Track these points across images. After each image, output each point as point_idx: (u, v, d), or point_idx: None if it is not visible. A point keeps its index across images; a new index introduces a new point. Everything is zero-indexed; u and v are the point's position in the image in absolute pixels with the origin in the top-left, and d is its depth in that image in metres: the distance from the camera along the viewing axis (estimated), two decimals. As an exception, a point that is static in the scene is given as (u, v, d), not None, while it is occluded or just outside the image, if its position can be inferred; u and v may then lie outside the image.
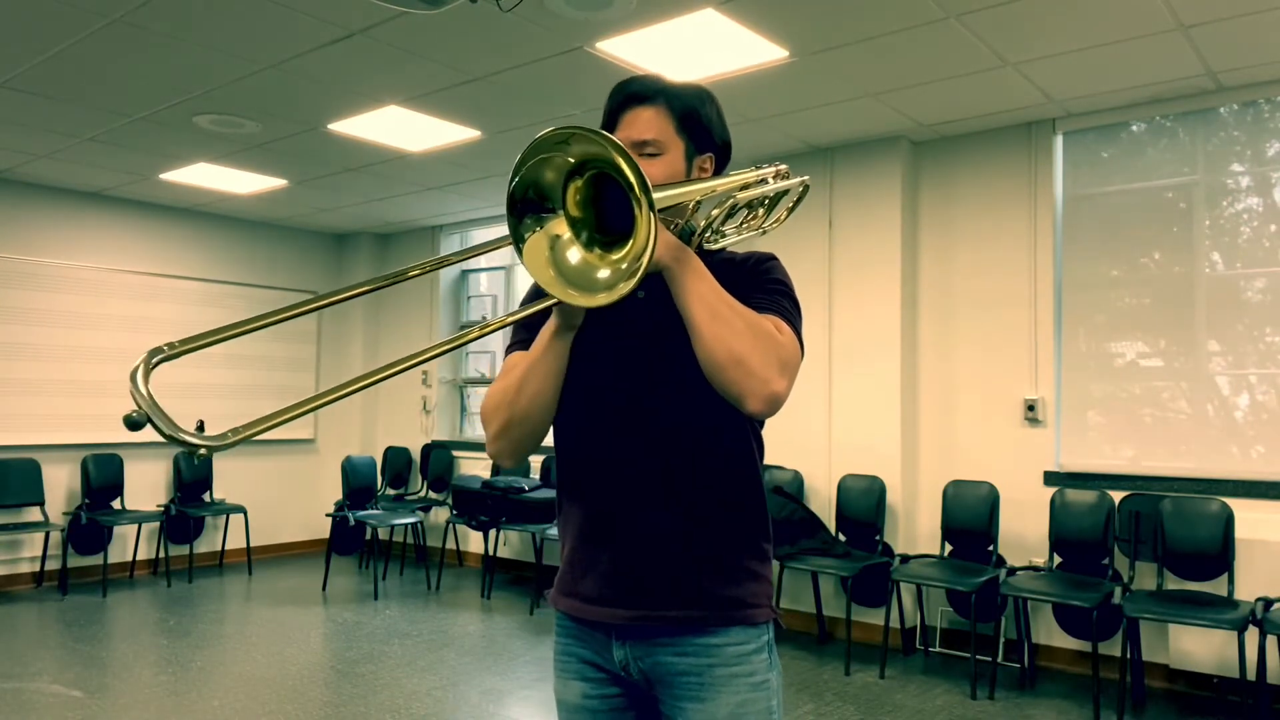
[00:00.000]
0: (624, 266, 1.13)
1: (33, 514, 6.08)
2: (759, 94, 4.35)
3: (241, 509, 6.81)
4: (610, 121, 1.42)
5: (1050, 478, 4.61)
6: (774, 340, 1.26)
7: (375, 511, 6.70)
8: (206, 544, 7.08)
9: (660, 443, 1.37)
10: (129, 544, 6.61)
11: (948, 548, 4.73)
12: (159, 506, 6.67)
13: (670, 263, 1.23)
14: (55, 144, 5.31)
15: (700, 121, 1.41)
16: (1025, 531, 4.64)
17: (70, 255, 6.42)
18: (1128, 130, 4.59)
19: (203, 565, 6.98)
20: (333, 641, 4.94)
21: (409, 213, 7.18)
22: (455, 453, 7.28)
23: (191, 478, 6.87)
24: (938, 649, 4.85)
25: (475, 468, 7.09)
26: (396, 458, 7.52)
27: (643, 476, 1.37)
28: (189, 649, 4.72)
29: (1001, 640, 4.45)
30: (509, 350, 1.47)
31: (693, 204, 1.32)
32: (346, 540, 7.34)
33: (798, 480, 5.18)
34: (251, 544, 6.99)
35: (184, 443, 0.94)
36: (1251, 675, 3.70)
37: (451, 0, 3.05)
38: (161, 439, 0.94)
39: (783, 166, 1.57)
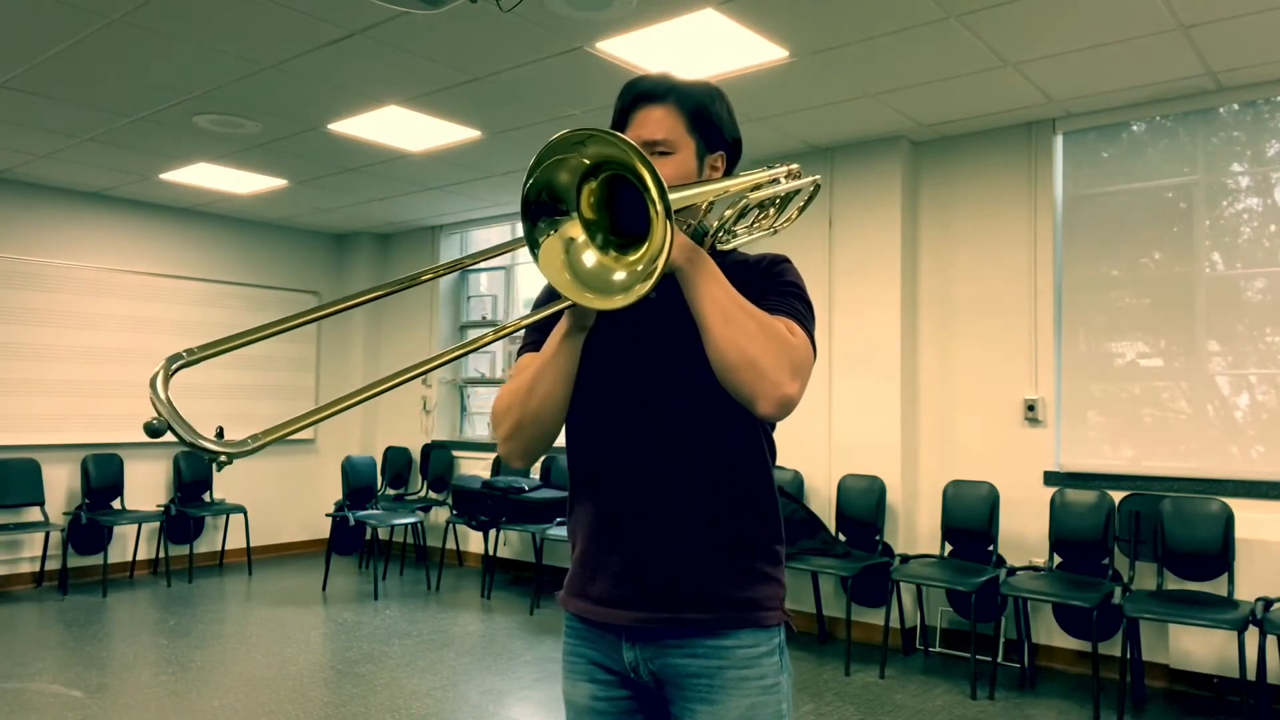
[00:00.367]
0: (639, 269, 1.13)
1: (33, 514, 6.08)
2: (759, 94, 4.35)
3: (241, 509, 6.81)
4: (620, 121, 1.41)
5: (1050, 478, 4.61)
6: (786, 342, 1.25)
7: (375, 511, 6.70)
8: (206, 544, 7.08)
9: (671, 444, 1.37)
10: (129, 544, 6.61)
11: (948, 548, 4.73)
12: (159, 506, 6.67)
13: (683, 264, 1.23)
14: (55, 144, 5.31)
15: (711, 120, 1.41)
16: (1025, 531, 4.64)
17: (70, 255, 6.42)
18: (1128, 130, 4.59)
19: (203, 565, 6.99)
20: (333, 641, 4.94)
21: (409, 213, 7.18)
22: (455, 453, 7.28)
23: (191, 478, 6.87)
24: (938, 649, 4.85)
25: (475, 468, 7.09)
26: (396, 458, 7.52)
27: (654, 478, 1.37)
28: (189, 649, 4.72)
29: (1001, 640, 4.45)
30: (520, 351, 1.46)
31: (705, 205, 1.32)
32: (346, 540, 7.34)
33: (798, 480, 5.18)
34: (251, 544, 6.99)
35: (205, 449, 0.94)
36: (1251, 675, 3.70)
37: (451, 0, 3.05)
38: (176, 441, 0.94)
39: (794, 166, 1.56)
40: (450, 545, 7.24)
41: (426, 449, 7.42)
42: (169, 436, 0.92)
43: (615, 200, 1.17)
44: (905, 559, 4.77)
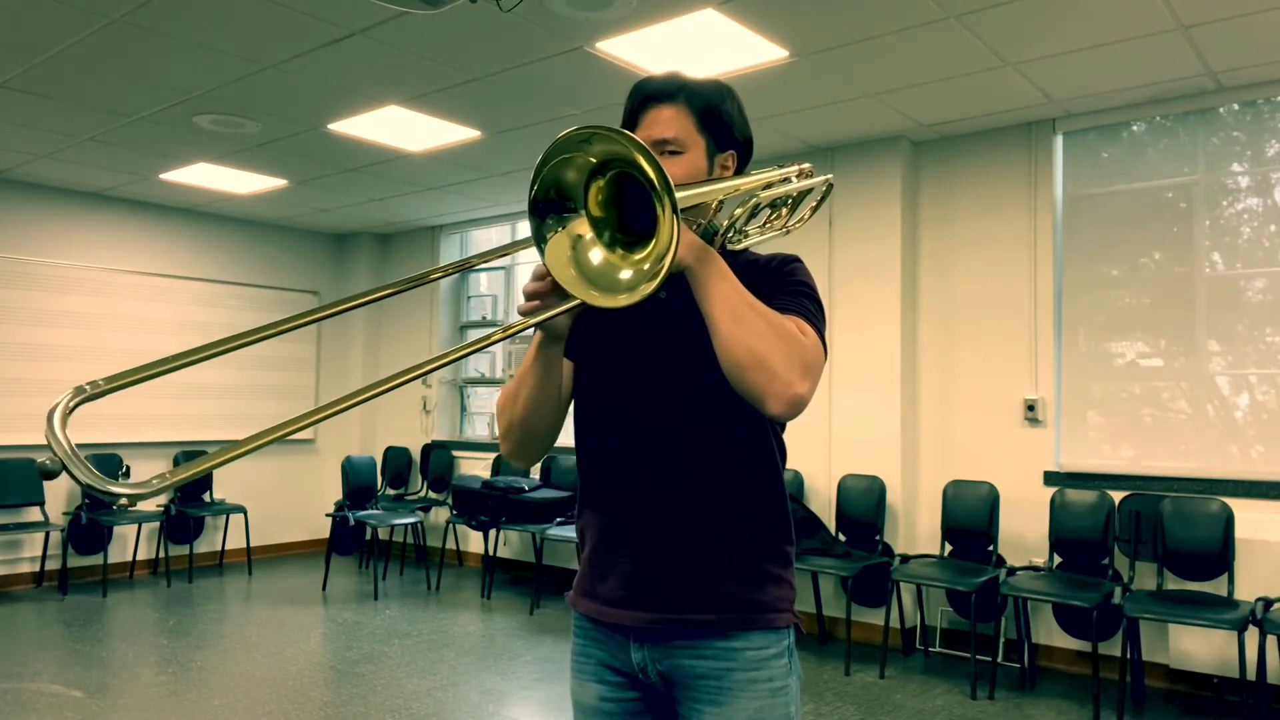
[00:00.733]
0: (646, 267, 1.12)
1: (33, 514, 6.08)
2: (759, 94, 4.34)
3: (241, 509, 6.80)
4: (630, 121, 1.40)
5: (1050, 478, 4.61)
6: (797, 342, 1.23)
7: (375, 511, 6.70)
8: (206, 544, 7.07)
9: (680, 445, 1.36)
10: (129, 544, 6.61)
11: (948, 548, 4.73)
12: (159, 506, 6.67)
13: (693, 263, 1.22)
14: (55, 144, 5.31)
15: (721, 118, 1.39)
16: (1025, 531, 4.64)
17: (70, 255, 6.42)
18: (1128, 130, 4.59)
19: (203, 565, 6.98)
20: (333, 641, 4.94)
21: (409, 213, 7.18)
22: (455, 453, 7.28)
23: (191, 478, 6.85)
24: (938, 649, 4.85)
25: (475, 468, 7.09)
26: (396, 458, 7.52)
27: (662, 479, 1.36)
28: (189, 649, 4.72)
29: (1001, 640, 4.45)
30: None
31: (715, 203, 1.31)
32: (346, 540, 7.34)
33: (798, 480, 5.18)
34: (251, 544, 6.99)
35: (106, 492, 0.85)
36: (1251, 675, 3.70)
37: (451, 0, 3.05)
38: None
39: (806, 165, 1.54)
40: (450, 545, 7.24)
41: (426, 449, 7.42)
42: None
43: (623, 198, 1.16)
44: (905, 559, 4.77)
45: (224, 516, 7.10)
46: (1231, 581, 3.95)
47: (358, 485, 6.93)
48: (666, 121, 1.36)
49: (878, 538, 4.84)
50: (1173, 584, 4.15)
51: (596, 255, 1.17)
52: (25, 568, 6.15)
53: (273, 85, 4.29)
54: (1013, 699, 4.09)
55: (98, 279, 6.53)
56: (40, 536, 6.11)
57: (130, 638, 4.94)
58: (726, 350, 1.21)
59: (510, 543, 6.89)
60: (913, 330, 5.06)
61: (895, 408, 4.91)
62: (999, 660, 4.43)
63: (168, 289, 6.90)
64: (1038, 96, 4.38)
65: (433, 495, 7.25)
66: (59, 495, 6.26)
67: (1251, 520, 4.01)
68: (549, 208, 1.17)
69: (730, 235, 1.39)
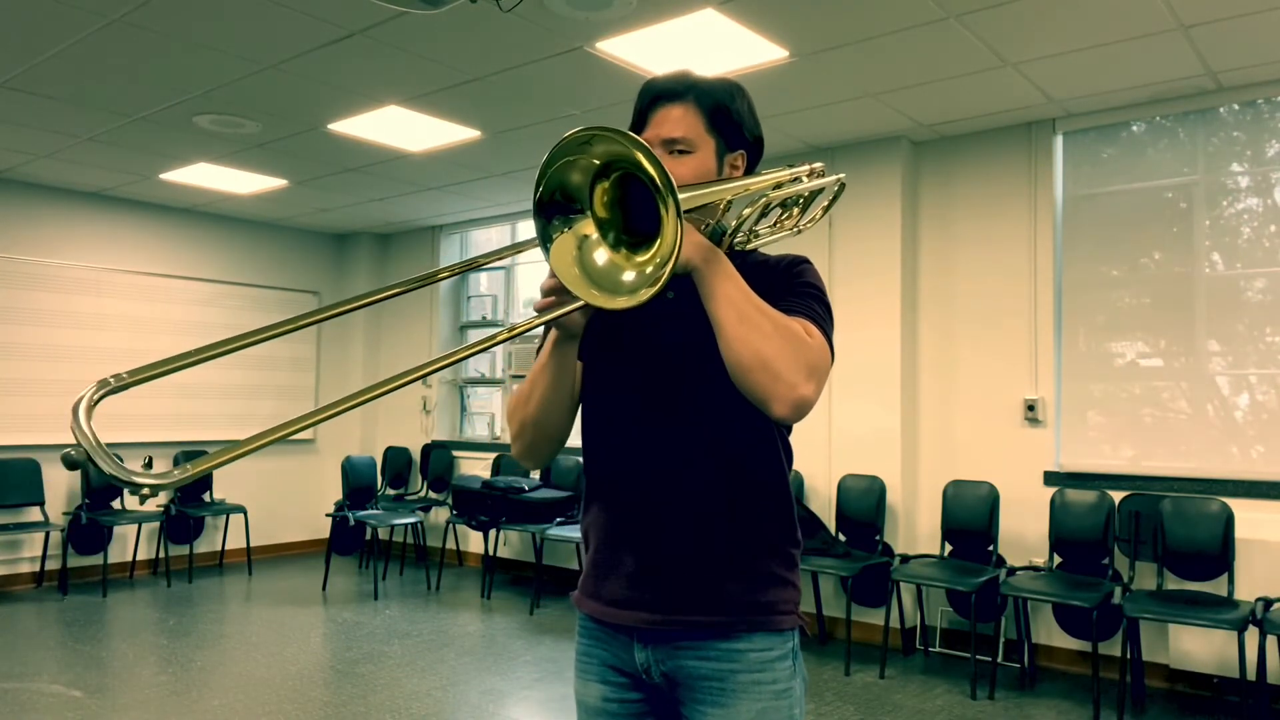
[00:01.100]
0: (649, 270, 1.12)
1: (33, 514, 6.08)
2: (759, 94, 4.29)
3: (241, 509, 6.81)
4: (639, 121, 1.39)
5: (1050, 478, 4.61)
6: (803, 344, 1.23)
7: (375, 511, 6.70)
8: (206, 544, 7.08)
9: (685, 446, 1.36)
10: (129, 544, 6.61)
11: (948, 548, 4.73)
12: (159, 506, 6.66)
13: (699, 264, 1.21)
14: (55, 144, 5.31)
15: (731, 117, 1.38)
16: (1025, 531, 4.64)
17: (70, 255, 6.42)
18: (1128, 130, 4.59)
19: (203, 565, 6.98)
20: (333, 641, 4.94)
21: (409, 213, 7.18)
22: (455, 453, 7.28)
23: (191, 478, 6.85)
24: (938, 649, 4.85)
25: (475, 468, 7.09)
26: (396, 458, 7.52)
27: (667, 479, 1.36)
28: (189, 649, 4.72)
29: (1001, 640, 4.45)
30: (539, 349, 1.46)
31: (724, 203, 1.29)
32: (346, 540, 7.34)
33: (798, 480, 5.18)
34: (251, 544, 6.99)
35: (130, 483, 0.87)
36: (1251, 675, 3.70)
37: (451, 0, 3.05)
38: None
39: (818, 165, 1.53)
40: (450, 545, 7.24)
41: (426, 449, 7.42)
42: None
43: (629, 199, 1.16)
44: (905, 559, 4.77)
45: (224, 516, 7.10)
46: (1231, 581, 3.95)
47: (358, 485, 6.93)
48: (675, 121, 1.35)
49: (878, 538, 4.84)
50: (1173, 584, 4.15)
51: (601, 256, 1.16)
52: (25, 568, 6.15)
53: (273, 85, 4.29)
54: (1013, 699, 4.09)
55: (98, 279, 6.53)
56: (40, 536, 6.11)
57: (130, 638, 4.94)
58: (732, 351, 1.20)
59: (510, 543, 6.89)
60: (913, 330, 5.06)
61: (895, 408, 4.91)
62: (999, 660, 4.43)
63: (168, 289, 6.90)
64: (1038, 96, 4.38)
65: (433, 495, 7.25)
66: (59, 495, 6.26)
67: (1251, 520, 4.01)
68: (555, 209, 1.16)
69: (740, 235, 1.38)
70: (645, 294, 1.10)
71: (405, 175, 5.97)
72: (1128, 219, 4.55)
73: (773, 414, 1.22)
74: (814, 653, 4.80)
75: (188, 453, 6.80)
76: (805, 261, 1.41)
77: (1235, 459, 4.22)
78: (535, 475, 6.55)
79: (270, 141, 5.22)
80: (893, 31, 3.64)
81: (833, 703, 4.00)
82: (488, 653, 4.74)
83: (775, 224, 1.50)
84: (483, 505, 6.18)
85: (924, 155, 5.12)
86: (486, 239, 7.73)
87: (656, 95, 1.37)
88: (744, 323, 1.20)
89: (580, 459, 6.92)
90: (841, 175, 1.62)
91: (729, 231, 1.35)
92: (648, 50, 3.84)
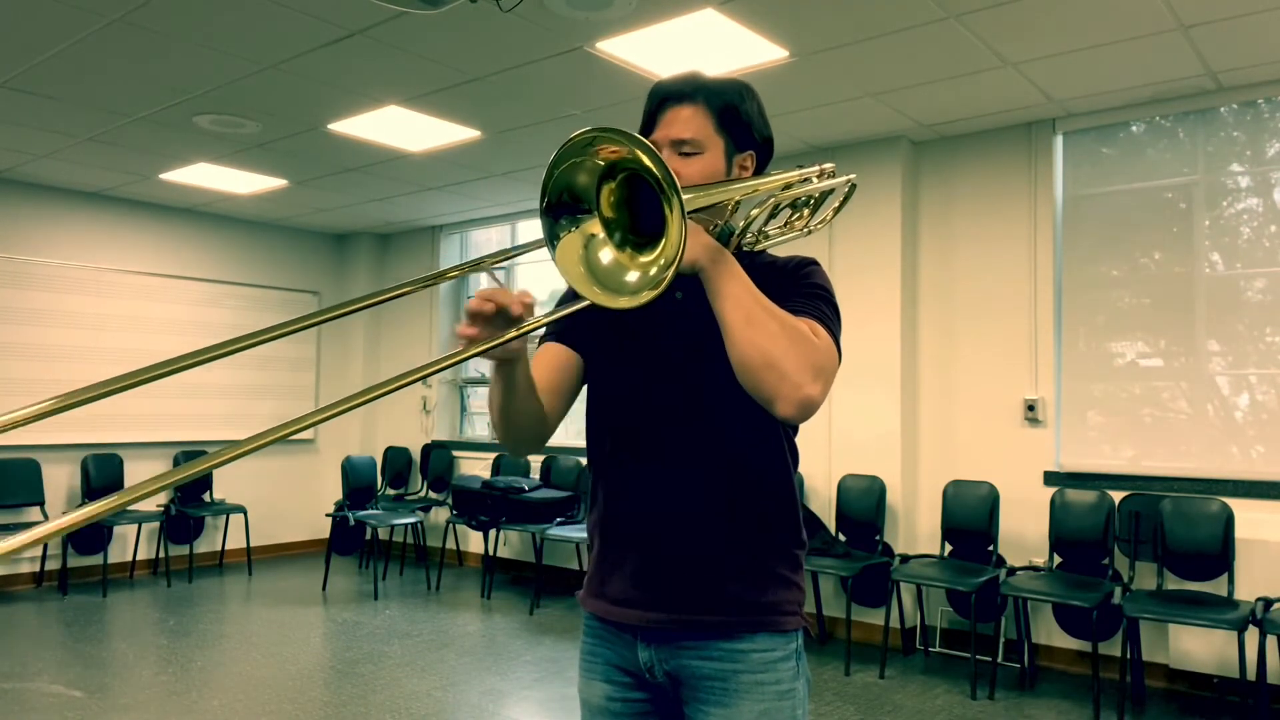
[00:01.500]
0: (653, 272, 1.12)
1: (33, 514, 6.07)
2: (759, 94, 4.34)
3: (241, 509, 6.80)
4: (649, 123, 1.38)
5: (1050, 478, 4.61)
6: (809, 344, 1.22)
7: (375, 511, 6.70)
8: (206, 544, 7.07)
9: (691, 446, 1.36)
10: (129, 544, 6.61)
11: (948, 548, 4.73)
12: (159, 506, 6.66)
13: (706, 264, 1.21)
14: (55, 144, 5.31)
15: (740, 118, 1.38)
16: (1025, 531, 4.64)
17: (70, 255, 6.42)
18: (1128, 130, 4.59)
19: (203, 565, 6.98)
20: (333, 641, 4.94)
21: (409, 213, 7.18)
22: (455, 453, 7.28)
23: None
24: (938, 649, 4.85)
25: (475, 468, 7.09)
26: (396, 458, 7.52)
27: (673, 479, 1.36)
28: (189, 649, 4.72)
29: (1001, 640, 4.45)
30: (540, 342, 1.45)
31: (732, 204, 1.29)
32: (346, 540, 7.34)
33: (798, 480, 5.17)
34: (251, 544, 6.99)
35: None
36: (1251, 675, 3.70)
37: (451, 0, 3.05)
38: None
39: (829, 165, 1.53)
40: (450, 545, 7.24)
41: (426, 449, 7.42)
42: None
43: (636, 199, 1.16)
44: (905, 559, 4.77)
45: (224, 516, 7.10)
46: (1231, 581, 3.95)
47: (358, 485, 6.93)
48: (684, 122, 1.35)
49: (878, 538, 4.84)
50: (1173, 584, 4.15)
51: (607, 255, 1.16)
52: (25, 568, 6.15)
53: (273, 85, 4.29)
54: (1013, 699, 4.09)
55: (98, 279, 6.53)
56: (40, 536, 6.10)
57: (130, 638, 4.94)
58: (738, 351, 1.20)
59: (510, 543, 6.89)
60: (913, 330, 5.06)
61: (895, 407, 4.91)
62: (999, 660, 4.43)
63: (168, 289, 6.90)
64: (1038, 96, 4.38)
65: (433, 495, 7.25)
66: (59, 495, 6.26)
67: (1251, 520, 4.02)
68: (562, 210, 1.16)
69: (749, 236, 1.37)
70: (647, 296, 1.10)
71: (405, 175, 5.97)
72: (1128, 219, 4.55)
73: (778, 414, 1.21)
74: (814, 653, 4.79)
75: (188, 453, 6.80)
76: (813, 263, 1.40)
77: (1235, 459, 4.22)
78: (535, 475, 6.55)
79: (270, 141, 5.22)
80: (893, 31, 3.64)
81: (833, 703, 4.00)
82: (488, 653, 4.74)
83: (785, 224, 1.50)
84: (483, 505, 6.18)
85: (924, 155, 5.12)
86: (486, 239, 7.73)
87: (665, 96, 1.37)
88: (750, 323, 1.19)
89: (580, 460, 6.92)
90: (852, 176, 1.60)
91: (737, 232, 1.34)
92: (648, 50, 3.84)
